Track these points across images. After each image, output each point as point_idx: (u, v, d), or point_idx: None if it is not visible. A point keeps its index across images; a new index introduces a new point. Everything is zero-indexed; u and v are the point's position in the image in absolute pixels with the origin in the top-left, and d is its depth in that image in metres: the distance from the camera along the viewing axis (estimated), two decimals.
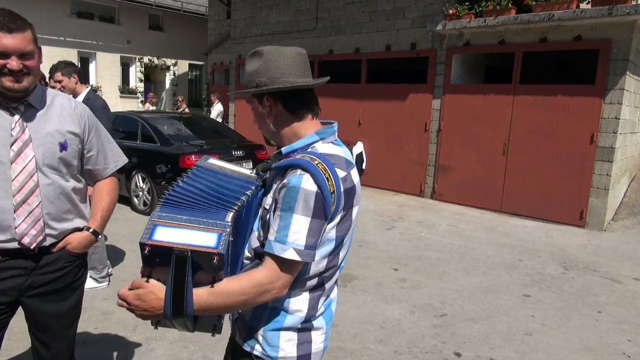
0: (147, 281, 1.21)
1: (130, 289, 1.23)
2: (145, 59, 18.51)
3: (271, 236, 1.22)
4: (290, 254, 1.19)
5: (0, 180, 1.63)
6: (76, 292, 1.90)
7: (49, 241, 1.75)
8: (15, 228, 1.65)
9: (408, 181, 8.93)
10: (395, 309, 3.88)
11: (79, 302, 1.93)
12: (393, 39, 9.03)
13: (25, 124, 1.67)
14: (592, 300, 4.27)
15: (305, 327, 1.35)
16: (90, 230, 1.87)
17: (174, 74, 19.60)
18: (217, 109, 10.92)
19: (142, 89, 18.51)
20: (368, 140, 9.39)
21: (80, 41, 16.17)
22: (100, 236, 1.91)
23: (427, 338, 3.43)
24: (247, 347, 1.36)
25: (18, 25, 1.57)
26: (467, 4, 7.69)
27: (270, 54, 1.31)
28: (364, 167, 6.94)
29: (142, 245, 1.14)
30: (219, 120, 10.80)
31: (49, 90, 1.80)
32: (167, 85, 19.48)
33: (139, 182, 6.63)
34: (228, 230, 1.16)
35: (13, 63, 1.56)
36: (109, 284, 3.98)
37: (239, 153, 6.78)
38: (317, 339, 1.38)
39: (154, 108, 12.09)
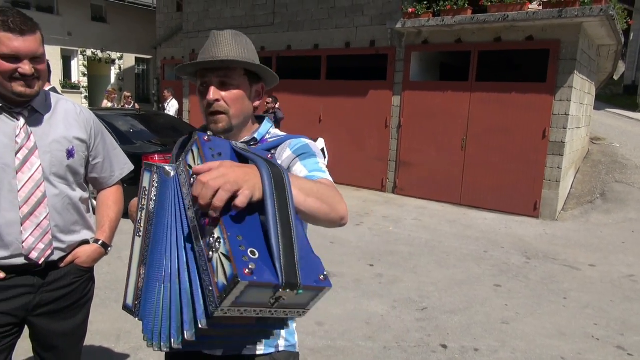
0: None
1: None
2: (89, 52, 17.59)
3: (302, 174, 1.21)
4: (331, 178, 1.22)
5: (5, 191, 1.50)
6: (84, 308, 1.79)
7: (57, 255, 1.63)
8: (23, 242, 1.53)
9: (369, 176, 9.07)
10: (378, 305, 3.95)
11: (87, 319, 1.83)
12: (352, 36, 9.11)
13: (30, 129, 1.55)
14: (557, 287, 4.54)
15: None
16: (100, 243, 1.76)
17: (120, 68, 18.76)
18: (173, 105, 10.58)
19: (85, 84, 17.58)
20: (329, 137, 9.44)
21: None
22: (110, 248, 1.81)
23: (412, 332, 3.52)
24: (269, 350, 1.32)
25: (29, 27, 1.44)
26: (425, 3, 7.89)
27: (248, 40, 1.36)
28: (326, 162, 6.96)
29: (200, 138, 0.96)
30: (173, 113, 10.49)
31: (52, 94, 1.68)
32: (113, 79, 18.62)
33: None
34: None
35: (26, 67, 1.44)
36: None
37: None
38: None
39: (112, 105, 11.27)
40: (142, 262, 1.09)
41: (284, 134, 1.40)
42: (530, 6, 7.19)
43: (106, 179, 1.83)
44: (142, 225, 1.10)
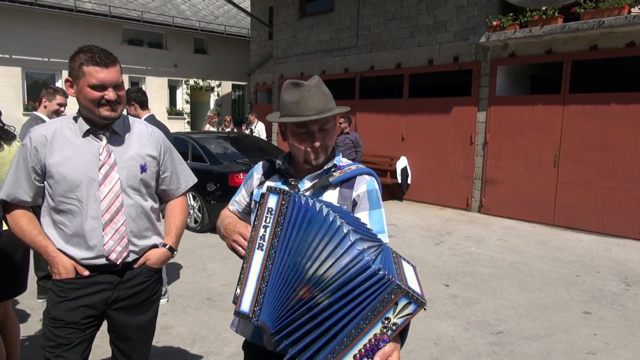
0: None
1: None
2: (191, 81, 19.22)
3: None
4: (386, 237, 1.51)
5: (90, 201, 1.77)
6: (154, 305, 2.01)
7: (131, 257, 1.88)
8: (104, 245, 1.79)
9: (454, 195, 8.80)
10: (449, 326, 3.82)
11: (156, 316, 2.05)
12: (435, 53, 9.01)
13: (110, 148, 1.82)
14: None
15: None
16: (167, 247, 1.98)
17: (218, 94, 20.21)
18: (261, 127, 11.20)
19: (188, 110, 19.18)
20: (412, 155, 9.36)
21: (131, 67, 16.97)
22: (175, 252, 2.03)
23: (483, 356, 3.36)
24: None
25: (111, 60, 1.76)
26: (511, 14, 7.60)
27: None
28: (409, 181, 7.01)
29: (418, 303, 1.12)
30: (264, 136, 11.09)
31: (130, 118, 1.95)
32: (212, 105, 20.10)
33: (190, 201, 6.86)
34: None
35: (110, 94, 1.74)
36: (167, 300, 4.13)
37: None
38: None
39: (213, 128, 12.29)
40: (265, 272, 1.26)
41: (345, 159, 1.66)
42: (630, 10, 6.61)
43: (173, 190, 2.06)
44: (265, 240, 1.26)
